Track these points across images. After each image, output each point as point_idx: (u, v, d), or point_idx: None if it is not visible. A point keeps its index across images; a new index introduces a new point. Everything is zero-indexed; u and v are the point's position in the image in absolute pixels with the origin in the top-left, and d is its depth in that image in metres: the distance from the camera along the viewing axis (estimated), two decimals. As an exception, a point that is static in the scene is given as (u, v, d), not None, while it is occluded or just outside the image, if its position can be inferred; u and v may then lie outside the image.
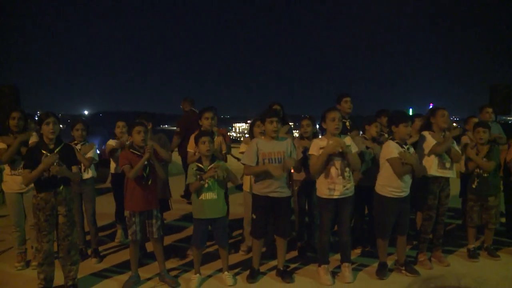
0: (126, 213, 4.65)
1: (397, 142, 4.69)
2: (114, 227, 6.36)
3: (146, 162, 4.53)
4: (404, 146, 4.68)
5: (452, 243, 5.76)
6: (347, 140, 4.64)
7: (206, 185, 4.54)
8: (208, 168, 4.57)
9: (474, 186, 5.28)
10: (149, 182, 4.58)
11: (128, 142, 5.02)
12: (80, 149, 5.25)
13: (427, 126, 5.13)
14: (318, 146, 4.61)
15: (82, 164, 5.26)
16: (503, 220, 6.18)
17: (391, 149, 4.67)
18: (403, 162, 4.57)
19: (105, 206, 6.66)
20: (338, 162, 4.55)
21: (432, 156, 4.94)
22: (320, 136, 5.15)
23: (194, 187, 4.56)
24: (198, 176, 4.51)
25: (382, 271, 4.81)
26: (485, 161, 5.20)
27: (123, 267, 5.10)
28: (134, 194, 4.57)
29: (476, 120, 6.05)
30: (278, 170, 4.50)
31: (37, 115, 5.40)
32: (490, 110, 6.47)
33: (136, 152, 4.59)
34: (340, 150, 4.47)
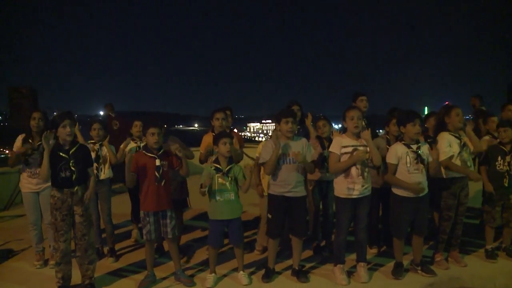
0: (141, 213, 4.70)
1: (404, 144, 4.66)
2: (130, 226, 6.42)
3: (159, 164, 4.58)
4: (412, 146, 4.62)
5: (469, 243, 5.70)
6: (367, 136, 4.60)
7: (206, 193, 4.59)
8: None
9: (506, 185, 5.21)
10: (162, 183, 4.61)
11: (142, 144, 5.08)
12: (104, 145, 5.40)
13: (442, 125, 5.07)
14: (339, 144, 4.59)
15: (106, 164, 5.39)
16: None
17: (390, 154, 4.71)
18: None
19: (121, 206, 6.72)
20: (359, 162, 4.54)
21: (455, 157, 4.90)
22: (331, 134, 5.14)
23: (201, 192, 4.59)
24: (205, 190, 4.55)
25: (398, 271, 4.77)
26: None
27: (139, 266, 5.14)
28: (148, 195, 4.61)
29: (495, 119, 5.96)
30: (277, 147, 4.52)
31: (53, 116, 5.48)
32: None
33: (150, 154, 4.63)
34: (367, 157, 4.51)
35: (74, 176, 4.31)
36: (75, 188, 4.32)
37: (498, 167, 5.24)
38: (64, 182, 4.29)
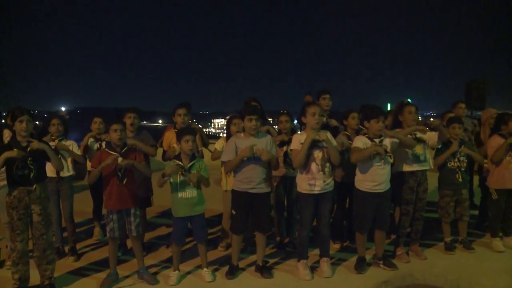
0: (104, 210, 4.62)
1: (367, 137, 4.72)
2: (92, 224, 6.30)
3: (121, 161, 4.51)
4: (375, 140, 4.69)
5: (429, 237, 5.84)
6: (328, 135, 4.66)
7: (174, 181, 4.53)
8: (189, 176, 4.54)
9: (460, 180, 5.33)
10: (124, 182, 4.54)
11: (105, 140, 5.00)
12: (56, 146, 5.18)
13: (397, 123, 5.17)
14: (299, 141, 4.61)
15: (69, 161, 5.26)
16: (475, 212, 6.36)
17: (356, 143, 4.74)
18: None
19: (83, 204, 6.59)
20: (318, 158, 4.57)
21: (407, 152, 4.99)
22: (299, 132, 5.15)
23: (161, 183, 4.54)
24: (180, 173, 4.49)
25: (361, 265, 4.85)
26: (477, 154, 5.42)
27: (101, 264, 5.05)
28: (111, 193, 4.55)
29: (452, 115, 6.13)
30: (246, 150, 4.48)
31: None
32: (463, 105, 6.60)
33: (112, 152, 4.54)
34: (320, 139, 4.49)
35: (32, 174, 4.17)
36: (34, 186, 4.20)
37: (450, 164, 5.37)
38: (21, 180, 4.15)
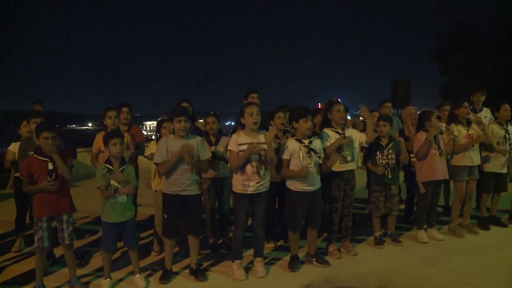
0: (34, 219, 4.39)
1: (296, 139, 4.78)
2: (14, 235, 5.93)
3: (52, 167, 4.32)
4: (304, 141, 4.76)
5: (359, 232, 6.03)
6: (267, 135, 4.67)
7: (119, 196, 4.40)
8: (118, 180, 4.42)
9: (390, 176, 5.51)
10: (57, 187, 4.34)
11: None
12: None
13: (326, 121, 5.28)
14: (236, 142, 4.61)
15: None
16: (402, 206, 6.62)
17: (283, 150, 4.80)
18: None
19: (3, 213, 6.23)
20: (255, 161, 4.59)
21: (334, 153, 5.10)
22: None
23: (107, 195, 4.39)
24: (113, 190, 4.37)
25: (294, 264, 4.91)
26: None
27: (24, 278, 4.78)
28: (41, 199, 4.33)
29: (375, 114, 6.39)
30: (185, 147, 4.42)
31: None
32: (389, 104, 6.89)
33: (42, 158, 4.33)
34: (262, 152, 4.55)
35: None
36: None
37: (378, 161, 5.56)
38: None
